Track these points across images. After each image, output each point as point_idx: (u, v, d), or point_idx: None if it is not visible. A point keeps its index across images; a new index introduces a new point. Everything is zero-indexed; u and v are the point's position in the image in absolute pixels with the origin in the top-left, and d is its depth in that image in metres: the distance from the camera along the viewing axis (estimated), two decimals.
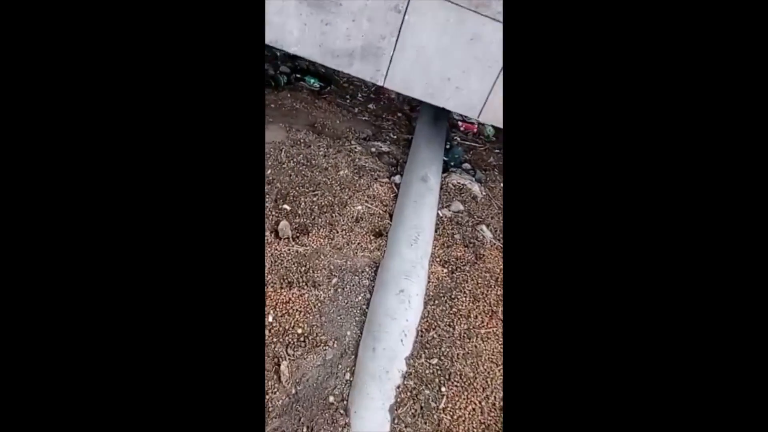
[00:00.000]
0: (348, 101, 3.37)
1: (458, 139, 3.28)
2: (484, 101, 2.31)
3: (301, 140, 2.66)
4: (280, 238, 2.01)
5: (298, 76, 3.32)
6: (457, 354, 1.75)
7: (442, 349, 1.76)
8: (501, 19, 2.04)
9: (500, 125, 2.46)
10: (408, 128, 3.25)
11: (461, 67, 2.21)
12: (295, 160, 2.49)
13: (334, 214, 2.24)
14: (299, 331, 1.69)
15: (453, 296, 2.00)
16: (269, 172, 2.35)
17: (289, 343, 1.65)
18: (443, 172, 2.82)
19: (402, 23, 2.08)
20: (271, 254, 1.93)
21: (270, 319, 1.68)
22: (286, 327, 1.68)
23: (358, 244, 2.13)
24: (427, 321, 1.87)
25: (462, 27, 2.09)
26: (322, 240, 2.08)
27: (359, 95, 3.50)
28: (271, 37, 2.19)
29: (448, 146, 3.09)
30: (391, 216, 2.35)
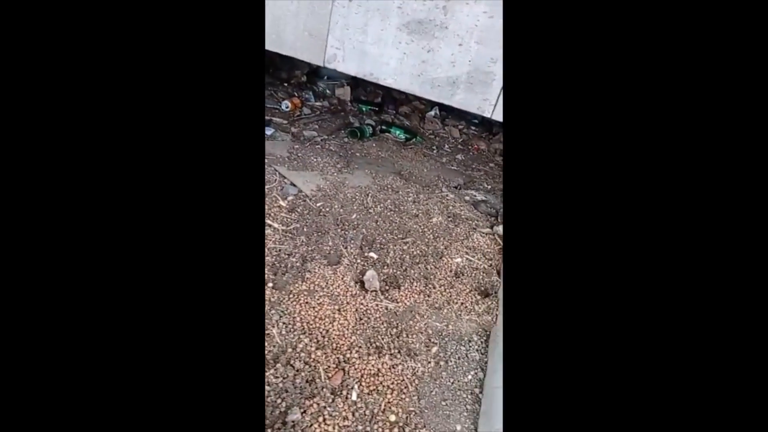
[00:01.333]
0: (435, 152, 3.12)
1: None
2: None
3: (389, 186, 2.38)
4: (367, 291, 1.62)
5: (384, 128, 3.17)
6: None
7: None
8: None
9: None
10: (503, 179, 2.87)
11: None
12: (382, 205, 2.18)
13: (428, 266, 1.83)
14: (392, 418, 1.21)
15: None
16: (354, 216, 2.05)
17: None
18: None
19: None
20: (357, 309, 1.53)
21: (354, 396, 1.24)
22: (375, 410, 1.22)
23: (462, 304, 1.67)
24: None
25: None
26: (416, 296, 1.66)
27: (446, 146, 3.25)
28: (367, 69, 2.01)
29: None
30: (498, 273, 1.88)
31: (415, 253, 1.90)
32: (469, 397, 1.34)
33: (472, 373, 1.42)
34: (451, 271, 1.84)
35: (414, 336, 1.49)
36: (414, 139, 3.16)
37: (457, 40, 1.83)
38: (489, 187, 2.79)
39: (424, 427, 1.22)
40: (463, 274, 1.84)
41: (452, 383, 1.36)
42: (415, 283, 1.71)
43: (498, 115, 1.96)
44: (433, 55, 1.88)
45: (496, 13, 1.74)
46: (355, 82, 3.58)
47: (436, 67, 1.90)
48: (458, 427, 1.24)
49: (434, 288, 1.72)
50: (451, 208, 2.31)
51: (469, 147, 3.32)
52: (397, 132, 3.16)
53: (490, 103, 1.94)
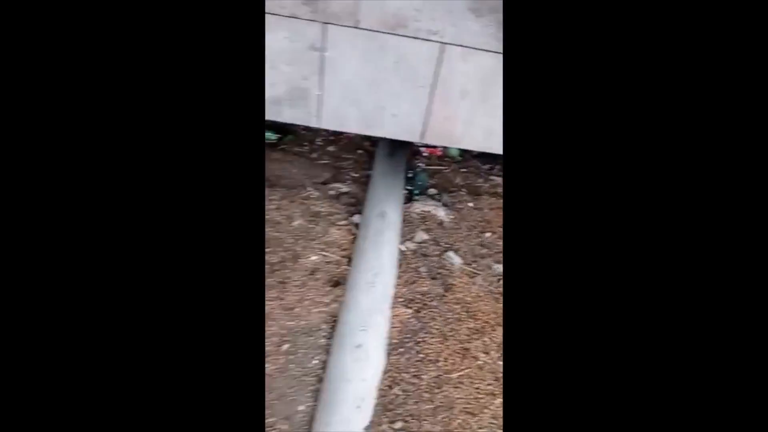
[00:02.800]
0: (306, 148, 3.29)
1: (422, 165, 3.15)
2: (423, 123, 2.19)
3: None
4: None
5: None
6: (426, 410, 1.52)
7: (408, 407, 1.53)
8: (422, 36, 1.94)
9: (450, 144, 2.32)
10: (370, 164, 3.13)
11: (392, 92, 2.11)
12: None
13: (286, 270, 2.08)
14: None
15: (419, 339, 1.78)
16: None
17: None
18: (406, 202, 2.67)
19: (323, 60, 2.00)
20: None
21: None
22: None
23: (312, 299, 1.95)
24: (390, 375, 1.65)
25: (384, 53, 1.99)
26: (271, 303, 1.91)
27: (318, 140, 3.42)
28: None
29: (411, 175, 2.95)
30: (349, 261, 2.18)
31: (274, 261, 2.13)
32: (313, 378, 1.64)
33: (318, 357, 1.72)
34: (307, 270, 2.10)
35: (267, 340, 1.76)
36: (286, 138, 3.30)
37: (269, 65, 2.00)
38: (356, 175, 3.03)
39: (273, 416, 1.51)
40: (318, 270, 2.11)
41: (300, 371, 1.66)
42: (270, 291, 1.96)
43: (325, 123, 2.19)
44: None
45: (296, 38, 1.93)
46: None
47: None
48: (300, 408, 1.55)
49: (289, 291, 1.98)
50: (312, 207, 2.55)
51: (341, 136, 3.53)
52: (267, 134, 3.27)
53: (313, 115, 2.16)
